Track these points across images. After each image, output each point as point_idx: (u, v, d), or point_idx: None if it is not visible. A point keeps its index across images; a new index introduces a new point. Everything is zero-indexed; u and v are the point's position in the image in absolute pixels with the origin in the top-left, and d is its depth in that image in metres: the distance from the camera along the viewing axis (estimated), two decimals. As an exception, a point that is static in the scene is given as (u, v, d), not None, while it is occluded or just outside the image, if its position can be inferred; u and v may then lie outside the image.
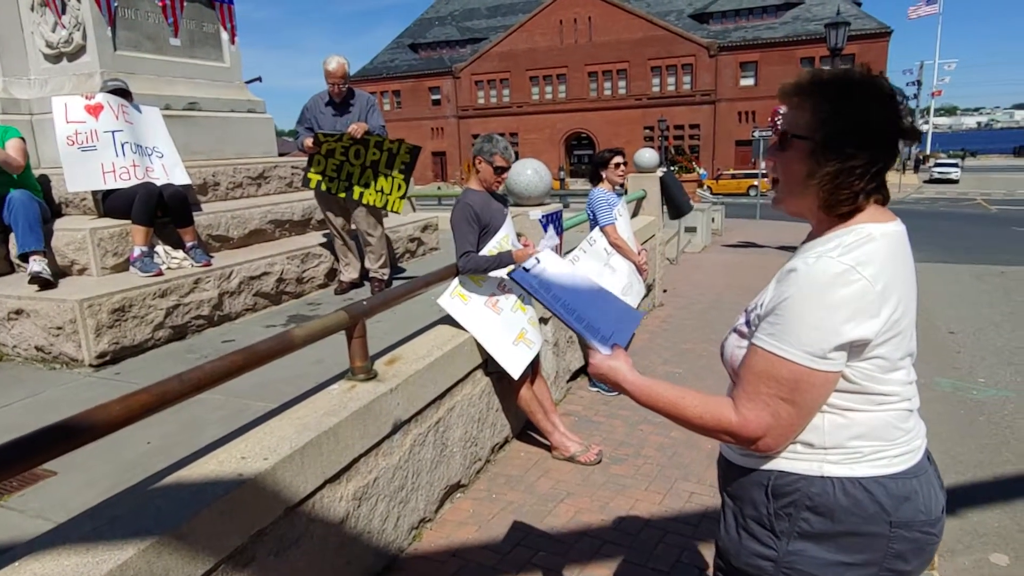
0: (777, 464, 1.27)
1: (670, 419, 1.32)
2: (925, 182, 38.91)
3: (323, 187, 4.73)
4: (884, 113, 1.20)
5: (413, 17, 55.76)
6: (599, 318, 1.49)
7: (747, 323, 1.31)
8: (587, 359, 1.47)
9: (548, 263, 1.63)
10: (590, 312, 1.50)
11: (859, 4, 42.05)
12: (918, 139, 1.25)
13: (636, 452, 3.78)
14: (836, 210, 1.23)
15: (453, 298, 3.45)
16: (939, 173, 39.05)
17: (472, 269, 3.42)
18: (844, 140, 1.18)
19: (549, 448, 3.75)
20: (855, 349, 1.17)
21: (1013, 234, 15.91)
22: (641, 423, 4.16)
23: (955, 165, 39.93)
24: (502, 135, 3.94)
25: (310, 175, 4.75)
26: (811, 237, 1.30)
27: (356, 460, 2.47)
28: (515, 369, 3.43)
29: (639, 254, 4.91)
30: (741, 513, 1.33)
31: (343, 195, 4.74)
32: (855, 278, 1.14)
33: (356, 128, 4.60)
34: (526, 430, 4.00)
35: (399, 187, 4.80)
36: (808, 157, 1.22)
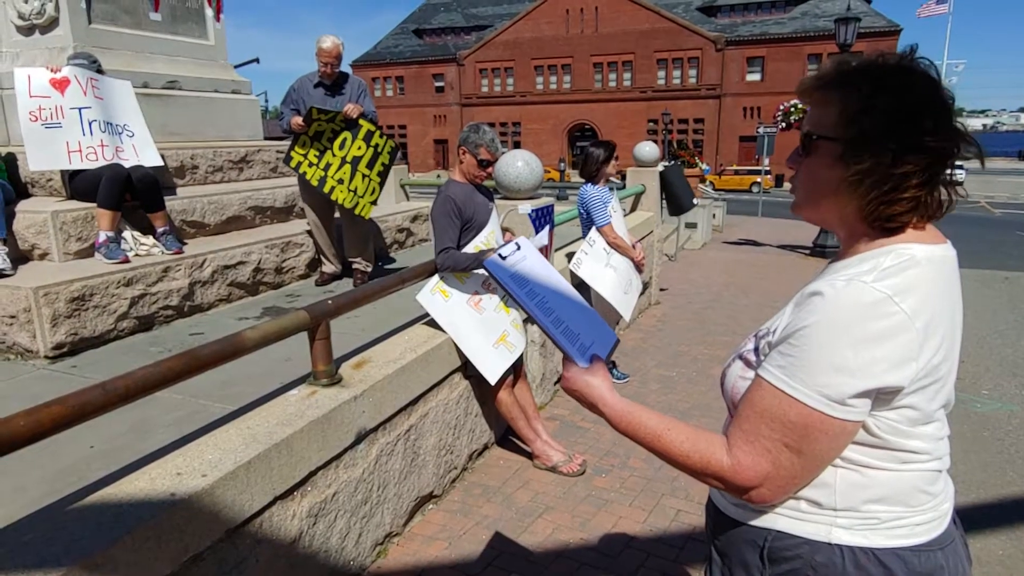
0: (776, 522, 1.07)
1: (652, 452, 1.11)
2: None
3: (302, 170, 4.50)
4: (929, 106, 0.97)
5: (418, 2, 55.04)
6: (579, 325, 1.28)
7: (755, 350, 1.09)
8: None
9: (528, 253, 1.41)
10: (569, 317, 1.28)
11: (869, 1, 41.61)
12: (974, 143, 1.02)
13: (622, 463, 3.58)
14: (884, 224, 1.01)
15: (434, 294, 3.25)
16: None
17: (451, 267, 3.21)
18: (883, 136, 0.96)
19: (531, 456, 3.56)
20: (883, 397, 0.96)
21: (1017, 239, 15.69)
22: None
23: (960, 167, 39.56)
24: (504, 124, 3.72)
25: (293, 153, 4.51)
26: (840, 256, 1.09)
27: (313, 474, 2.27)
28: (492, 374, 3.23)
29: (635, 248, 4.71)
30: (730, 573, 1.14)
31: (315, 184, 4.50)
32: (892, 311, 0.93)
33: (351, 108, 4.38)
34: (508, 435, 3.81)
35: (372, 191, 4.57)
36: (837, 160, 1.00)
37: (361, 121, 4.46)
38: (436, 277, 3.27)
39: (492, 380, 3.24)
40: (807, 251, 11.52)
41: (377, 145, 4.52)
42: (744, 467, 1.01)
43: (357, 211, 4.56)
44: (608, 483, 3.36)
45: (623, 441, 3.84)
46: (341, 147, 4.45)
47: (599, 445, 3.80)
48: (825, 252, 10.96)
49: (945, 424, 1.07)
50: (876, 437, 1.00)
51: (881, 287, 0.94)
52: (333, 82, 4.61)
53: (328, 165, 4.47)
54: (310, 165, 4.49)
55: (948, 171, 1.01)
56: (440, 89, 49.66)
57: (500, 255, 1.34)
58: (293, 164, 4.54)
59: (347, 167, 4.47)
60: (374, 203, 4.63)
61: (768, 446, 0.99)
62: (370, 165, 4.51)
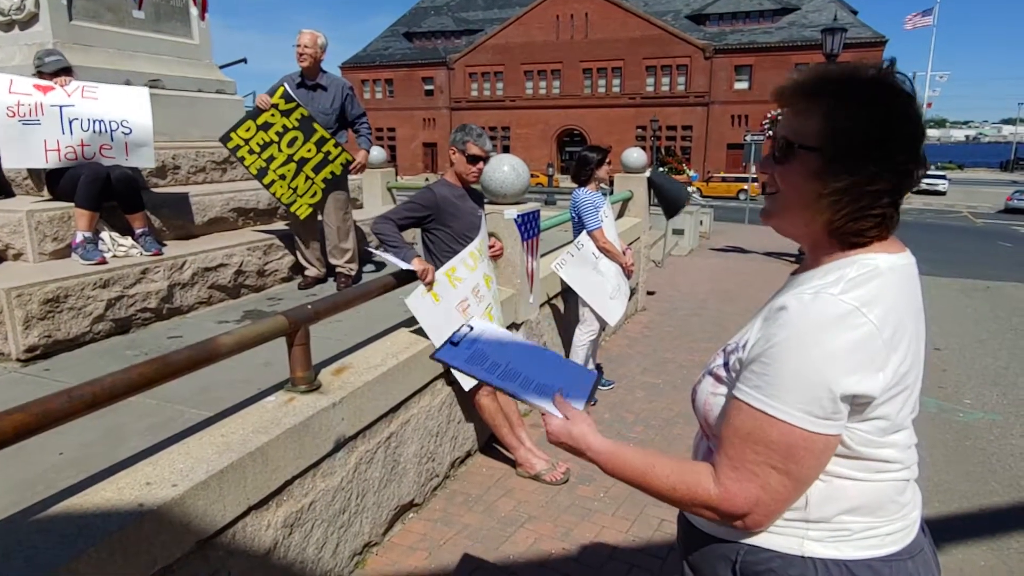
0: (749, 536, 1.05)
1: (641, 490, 1.10)
2: (912, 193, 38.98)
3: (240, 154, 4.35)
4: (909, 123, 0.97)
5: (409, 6, 54.96)
6: (550, 376, 1.27)
7: (725, 365, 1.09)
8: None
9: (482, 330, 1.41)
10: (539, 372, 1.28)
11: (855, 12, 42.09)
12: (925, 165, 1.02)
13: (606, 471, 3.55)
14: (851, 239, 1.01)
15: (424, 297, 3.17)
16: (927, 184, 39.20)
17: (378, 233, 3.24)
18: (864, 154, 0.96)
19: (514, 464, 3.52)
20: (856, 408, 0.96)
21: (999, 249, 15.90)
22: (614, 439, 3.94)
23: (943, 177, 40.11)
24: (494, 128, 3.74)
25: (233, 135, 4.33)
26: (804, 268, 1.08)
27: (289, 483, 2.22)
28: (467, 380, 3.18)
29: (624, 254, 4.69)
30: None
31: (254, 173, 4.38)
32: (860, 322, 0.93)
33: (362, 159, 4.56)
34: (491, 443, 3.76)
35: (314, 194, 4.47)
36: (816, 173, 0.99)
37: (316, 126, 4.34)
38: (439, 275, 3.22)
39: (466, 387, 3.20)
40: (792, 258, 11.59)
41: (328, 153, 4.40)
42: (732, 494, 0.99)
43: (293, 209, 4.46)
44: (592, 492, 3.33)
45: (607, 449, 3.82)
46: (290, 145, 4.33)
47: (583, 453, 3.76)
48: (810, 260, 11.03)
49: (912, 432, 1.07)
50: (849, 449, 1.00)
51: (848, 299, 0.94)
52: (315, 82, 4.55)
53: (272, 158, 4.34)
54: (250, 152, 4.35)
55: (912, 188, 1.02)
56: (430, 92, 49.59)
57: (452, 341, 1.35)
58: (231, 145, 4.36)
59: (292, 165, 4.37)
60: (312, 207, 4.51)
61: (755, 470, 0.98)
62: (316, 170, 4.41)
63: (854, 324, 0.92)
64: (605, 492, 3.32)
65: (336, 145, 4.44)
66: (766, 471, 0.97)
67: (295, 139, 4.34)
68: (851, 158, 0.96)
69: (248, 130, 4.35)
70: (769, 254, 12.39)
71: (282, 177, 4.39)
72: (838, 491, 1.01)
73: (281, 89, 4.26)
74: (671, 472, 1.05)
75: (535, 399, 1.21)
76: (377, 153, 8.60)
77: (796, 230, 1.07)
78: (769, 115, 13.65)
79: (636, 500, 3.25)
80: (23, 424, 1.48)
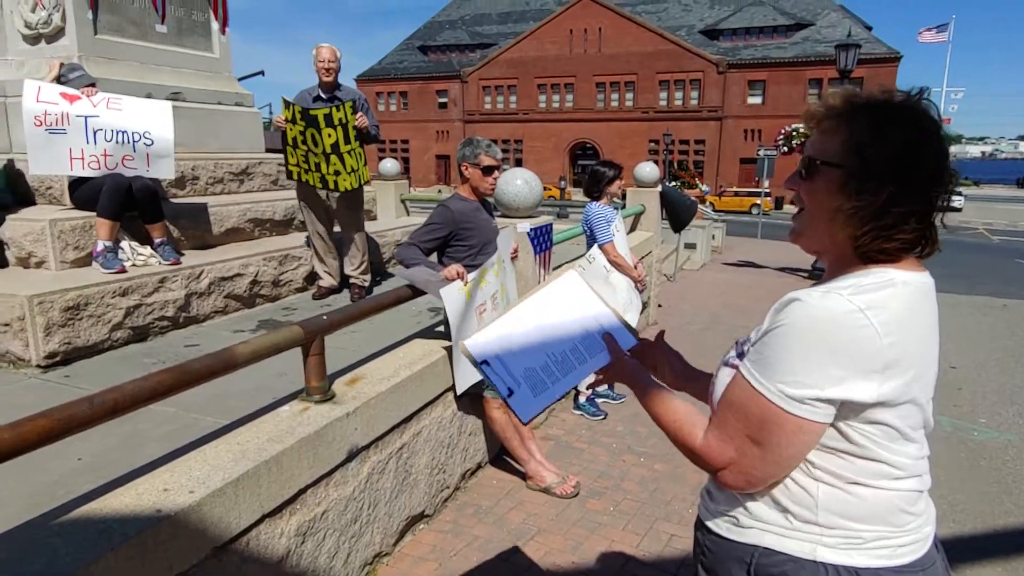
0: (763, 539, 1.09)
1: (654, 420, 1.23)
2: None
3: (304, 178, 4.50)
4: (933, 148, 1.01)
5: (424, 20, 55.53)
6: (583, 344, 1.41)
7: (739, 355, 1.15)
8: None
9: (489, 342, 1.45)
10: (571, 346, 1.41)
11: (870, 28, 42.05)
12: (951, 190, 1.05)
13: (616, 485, 3.55)
14: (876, 256, 1.04)
15: (460, 292, 3.09)
16: None
17: (402, 259, 3.25)
18: (886, 173, 0.99)
19: (524, 476, 3.52)
20: (852, 407, 1.00)
21: (1015, 266, 15.73)
22: (624, 452, 3.94)
23: (959, 194, 39.80)
24: (506, 141, 3.77)
25: (291, 167, 4.52)
26: (823, 280, 1.11)
27: (302, 491, 2.24)
28: (461, 383, 3.19)
29: (636, 268, 4.71)
30: None
31: (319, 186, 4.50)
32: (862, 322, 0.96)
33: (361, 121, 4.42)
34: (502, 455, 3.77)
35: (359, 156, 4.55)
36: (839, 189, 1.03)
37: (312, 112, 4.36)
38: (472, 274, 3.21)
39: (459, 390, 3.21)
40: (806, 274, 11.54)
41: (341, 119, 4.41)
42: (711, 449, 1.09)
43: (363, 181, 4.57)
44: (602, 506, 3.33)
45: (617, 463, 3.82)
46: (316, 144, 4.40)
47: (593, 467, 3.77)
48: (823, 275, 10.96)
49: (925, 445, 1.09)
50: (856, 446, 1.03)
51: (856, 300, 0.97)
52: (333, 94, 4.63)
53: (318, 165, 4.44)
54: (307, 171, 4.48)
55: (941, 213, 1.05)
56: (443, 105, 49.98)
57: (484, 361, 1.42)
58: (295, 176, 4.55)
59: (333, 157, 4.44)
60: (365, 164, 4.62)
61: (732, 434, 1.06)
62: (347, 140, 4.45)
63: (856, 323, 0.96)
64: (615, 506, 3.32)
65: (337, 107, 4.39)
66: (742, 438, 1.05)
67: (313, 135, 4.39)
68: (873, 176, 1.00)
69: (291, 154, 4.46)
70: (783, 269, 12.33)
71: (336, 173, 4.47)
72: (848, 495, 1.04)
73: (296, 108, 4.34)
74: (679, 416, 1.16)
75: (584, 371, 1.39)
76: (391, 165, 8.68)
77: (821, 245, 1.11)
78: (783, 130, 13.60)
79: (646, 515, 3.24)
80: (47, 430, 1.52)
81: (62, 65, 4.14)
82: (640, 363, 1.40)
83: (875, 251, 1.03)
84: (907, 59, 38.20)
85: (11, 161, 4.30)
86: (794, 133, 13.22)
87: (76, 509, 1.74)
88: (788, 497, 1.07)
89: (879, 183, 0.99)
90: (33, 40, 4.74)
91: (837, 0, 43.08)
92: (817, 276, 11.02)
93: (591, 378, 1.44)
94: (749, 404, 1.03)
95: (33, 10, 4.65)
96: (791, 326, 0.99)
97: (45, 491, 2.14)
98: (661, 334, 1.51)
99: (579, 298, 1.47)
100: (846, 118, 1.04)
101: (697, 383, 1.39)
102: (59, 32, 4.63)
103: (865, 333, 0.95)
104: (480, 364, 1.39)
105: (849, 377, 0.96)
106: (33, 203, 4.29)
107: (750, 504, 1.11)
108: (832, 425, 1.02)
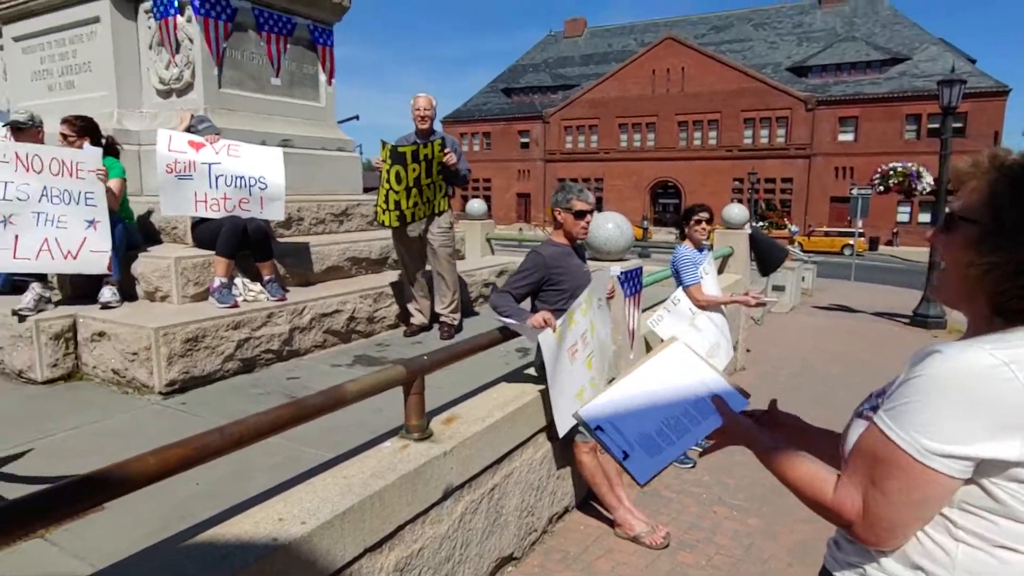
0: None
1: (779, 480, 1.22)
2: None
3: (379, 219, 4.70)
4: None
5: (508, 64, 57.18)
6: (695, 408, 1.43)
7: (872, 408, 1.13)
8: None
9: (602, 408, 1.49)
10: (684, 412, 1.43)
11: (974, 61, 39.94)
12: None
13: (708, 538, 3.43)
14: (1018, 319, 1.02)
15: (553, 336, 3.21)
16: None
17: (495, 306, 3.30)
18: (1022, 232, 0.99)
19: (612, 523, 3.46)
20: (996, 464, 0.95)
21: None
22: (715, 504, 3.81)
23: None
24: (587, 180, 3.83)
25: (380, 218, 4.72)
26: (964, 338, 1.09)
27: (401, 527, 2.30)
28: (562, 426, 3.17)
29: (746, 295, 4.76)
30: None
31: (396, 224, 4.66)
32: (1007, 376, 0.92)
33: (449, 158, 4.60)
34: (588, 500, 3.73)
35: (440, 187, 4.73)
36: (974, 244, 1.03)
37: (401, 149, 4.53)
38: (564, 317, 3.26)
39: (560, 432, 3.18)
40: (906, 320, 10.88)
41: (427, 155, 4.57)
42: (842, 501, 1.06)
43: (437, 211, 4.75)
44: (693, 559, 3.22)
45: (707, 514, 3.70)
46: (399, 180, 4.56)
47: (683, 517, 3.66)
48: (927, 322, 10.31)
49: None
50: (1000, 504, 0.98)
51: (999, 354, 0.95)
52: (426, 140, 4.85)
53: (398, 203, 4.60)
54: (384, 211, 4.65)
55: None
56: (525, 145, 51.01)
57: (599, 427, 1.44)
58: (379, 221, 4.75)
59: (414, 191, 4.60)
60: (445, 196, 4.80)
61: (860, 481, 1.04)
62: (428, 174, 4.61)
63: (1000, 377, 0.93)
64: (707, 560, 3.21)
65: (425, 145, 4.56)
66: (868, 484, 1.03)
67: (398, 173, 4.56)
68: (1008, 235, 0.99)
69: (379, 196, 4.68)
70: (879, 314, 11.68)
71: (415, 205, 4.65)
72: (992, 559, 0.99)
73: (381, 147, 4.58)
74: (807, 472, 1.15)
75: (700, 433, 1.39)
76: (478, 205, 8.92)
77: (960, 302, 1.10)
78: (880, 168, 13.05)
79: (741, 572, 3.11)
80: (184, 457, 1.65)
81: (192, 116, 4.56)
82: (755, 423, 1.39)
83: (1017, 311, 1.00)
84: (1017, 92, 35.97)
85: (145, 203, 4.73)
86: (891, 172, 12.67)
87: (201, 533, 1.87)
88: (922, 554, 1.03)
89: (1015, 243, 0.98)
90: (165, 94, 5.24)
91: (937, 34, 41.30)
92: (920, 323, 10.39)
93: (704, 443, 1.44)
94: (879, 450, 1.01)
95: (167, 67, 5.15)
96: (930, 377, 0.97)
97: (176, 511, 2.30)
98: (774, 403, 1.48)
99: (687, 365, 1.49)
100: (988, 176, 1.05)
101: (815, 440, 1.36)
102: (188, 87, 5.10)
103: (1010, 387, 0.92)
104: (594, 430, 1.42)
105: (992, 434, 0.93)
106: (159, 242, 4.69)
107: (882, 558, 1.08)
108: (976, 483, 0.98)
